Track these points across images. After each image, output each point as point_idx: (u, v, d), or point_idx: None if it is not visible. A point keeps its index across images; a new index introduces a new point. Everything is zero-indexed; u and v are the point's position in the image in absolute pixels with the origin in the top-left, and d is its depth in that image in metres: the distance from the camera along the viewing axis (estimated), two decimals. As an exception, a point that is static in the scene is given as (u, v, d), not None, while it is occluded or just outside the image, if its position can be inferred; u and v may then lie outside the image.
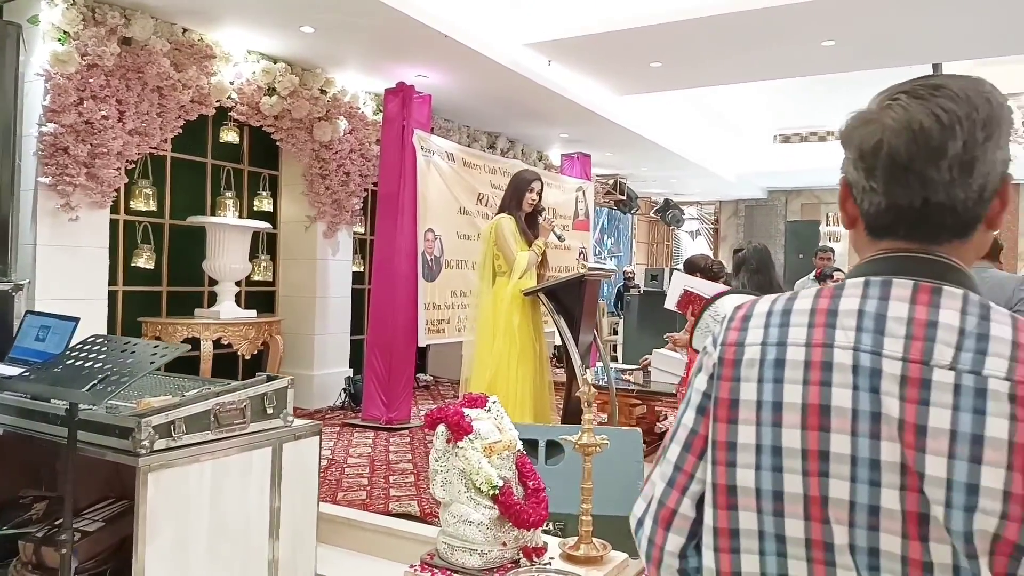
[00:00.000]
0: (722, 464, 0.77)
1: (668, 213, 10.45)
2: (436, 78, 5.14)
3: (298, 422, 2.66)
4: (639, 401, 4.30)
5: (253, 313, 4.76)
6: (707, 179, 9.99)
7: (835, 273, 6.18)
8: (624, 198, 8.91)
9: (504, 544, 2.03)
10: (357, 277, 5.93)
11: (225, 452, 2.37)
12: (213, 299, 4.75)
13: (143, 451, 2.15)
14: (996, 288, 2.78)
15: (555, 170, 7.49)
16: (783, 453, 0.74)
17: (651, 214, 11.26)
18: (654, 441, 4.03)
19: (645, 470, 3.13)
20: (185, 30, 4.25)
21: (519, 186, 3.62)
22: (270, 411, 2.54)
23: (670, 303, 3.84)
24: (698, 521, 0.81)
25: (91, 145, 3.81)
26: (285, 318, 5.33)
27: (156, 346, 2.28)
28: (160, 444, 2.19)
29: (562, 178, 6.96)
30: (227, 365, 5.00)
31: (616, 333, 9.52)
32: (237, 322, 4.55)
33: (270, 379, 2.61)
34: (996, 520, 0.65)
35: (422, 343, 4.94)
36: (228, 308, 4.60)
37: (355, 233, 5.79)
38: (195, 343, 4.38)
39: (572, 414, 3.55)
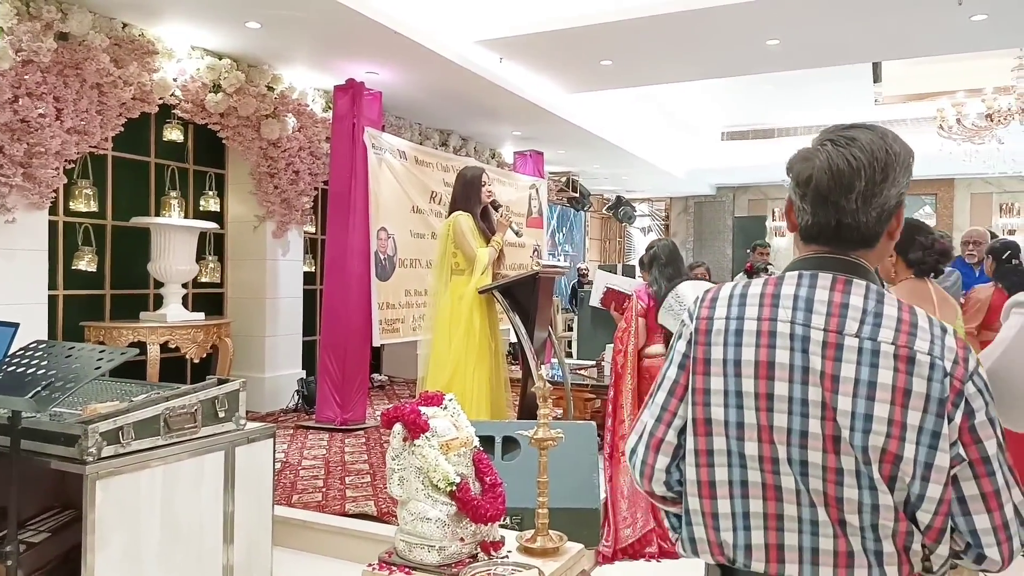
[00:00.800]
0: (700, 404, 1.08)
1: (620, 210, 10.59)
2: (386, 75, 5.10)
3: (251, 425, 2.63)
4: (594, 395, 4.36)
5: (201, 316, 4.66)
6: (657, 176, 10.16)
7: (768, 267, 6.46)
8: (577, 195, 9.00)
9: (462, 539, 2.05)
10: (309, 277, 5.85)
11: (176, 457, 2.32)
12: (159, 302, 4.63)
13: (90, 459, 2.09)
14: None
15: (508, 168, 7.51)
16: (742, 395, 1.04)
17: (603, 211, 11.40)
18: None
19: (600, 463, 3.17)
20: (125, 25, 4.12)
21: (471, 182, 3.63)
22: (222, 415, 2.50)
23: (595, 300, 3.97)
24: (679, 447, 1.12)
25: (27, 144, 3.67)
26: (235, 320, 5.22)
27: (101, 351, 2.22)
28: (108, 451, 2.14)
29: (515, 175, 6.99)
30: (175, 369, 4.88)
31: (571, 329, 9.61)
32: (185, 325, 4.44)
33: (221, 382, 2.57)
34: (883, 439, 0.96)
35: (376, 343, 4.91)
36: (175, 311, 4.48)
37: (306, 233, 5.71)
38: (142, 347, 4.26)
39: (528, 410, 3.58)
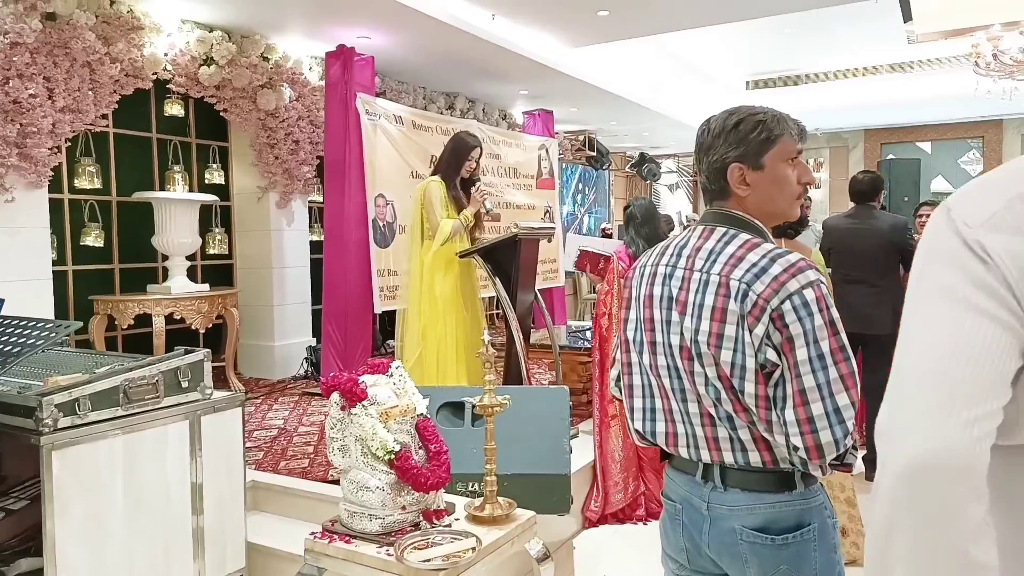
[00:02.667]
0: (623, 330, 1.47)
1: (644, 167, 10.33)
2: (379, 39, 5.03)
3: (218, 394, 2.67)
4: (589, 359, 4.30)
5: (206, 287, 4.75)
6: (681, 130, 9.83)
7: (807, 219, 6.14)
8: (595, 154, 8.80)
9: (403, 508, 2.05)
10: (316, 247, 5.89)
11: (137, 427, 2.38)
12: (167, 275, 4.74)
13: (46, 429, 2.16)
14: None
15: (519, 128, 7.37)
16: (640, 321, 1.41)
17: (627, 169, 11.15)
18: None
19: (572, 431, 3.14)
20: (113, 2, 4.14)
21: (459, 151, 3.56)
22: (185, 384, 2.55)
23: (568, 265, 3.88)
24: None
25: (20, 125, 3.75)
26: (243, 290, 5.33)
27: (57, 324, 2.28)
28: (65, 422, 2.21)
29: (523, 136, 6.85)
30: (184, 340, 4.99)
31: (595, 291, 9.51)
32: (189, 296, 4.54)
33: (187, 352, 2.61)
34: (706, 346, 1.25)
35: (377, 310, 4.93)
36: (179, 283, 4.59)
37: (311, 202, 5.74)
38: (148, 319, 4.39)
39: (513, 375, 3.56)
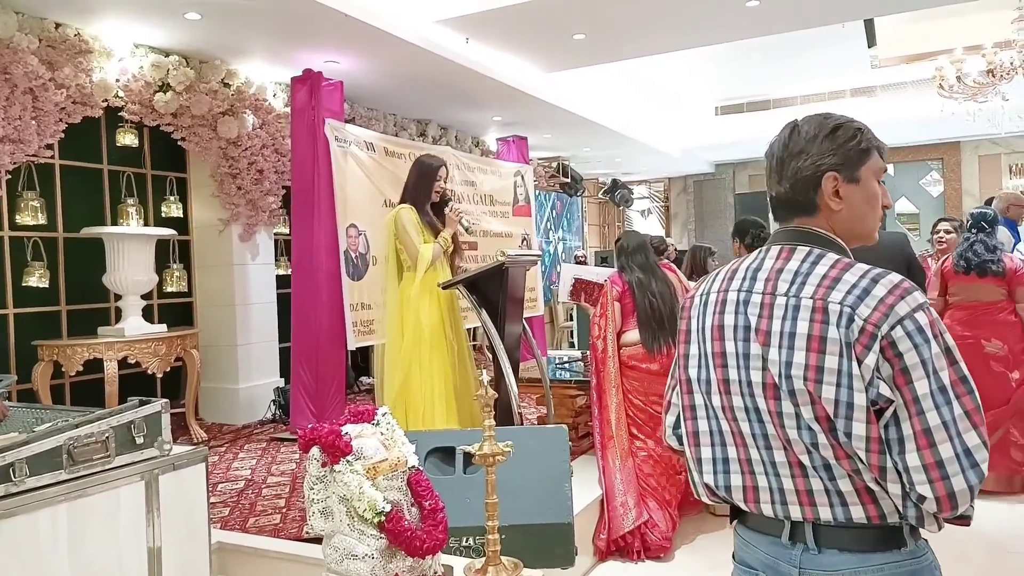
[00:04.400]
0: (683, 368, 1.27)
1: (616, 193, 10.27)
2: (348, 63, 4.83)
3: (179, 449, 2.37)
4: (579, 391, 4.08)
5: (163, 327, 4.42)
6: (652, 156, 9.82)
7: None
8: (568, 180, 8.69)
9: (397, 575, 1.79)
10: (283, 281, 5.60)
11: (82, 492, 2.07)
12: (121, 316, 4.39)
13: (-27, 502, 1.85)
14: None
15: (492, 155, 7.22)
16: (707, 356, 1.20)
17: (599, 195, 11.08)
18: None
19: (574, 471, 2.92)
20: (59, 25, 3.87)
21: (426, 174, 3.36)
22: (140, 440, 2.25)
23: (563, 296, 3.85)
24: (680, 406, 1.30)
25: (-47, 155, 3.44)
26: (204, 330, 5.00)
27: (-13, 379, 1.97)
28: (-3, 492, 1.90)
29: (498, 163, 6.70)
30: (140, 386, 4.65)
31: (572, 319, 9.34)
32: (145, 338, 4.21)
33: (142, 403, 2.32)
34: (802, 382, 1.06)
35: (351, 346, 4.65)
36: (133, 324, 4.25)
37: (277, 234, 5.46)
38: (100, 365, 4.04)
39: (502, 413, 3.31)
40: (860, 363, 1.02)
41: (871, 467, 1.04)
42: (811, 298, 1.08)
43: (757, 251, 1.23)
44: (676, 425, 1.32)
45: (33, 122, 3.73)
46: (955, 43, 6.90)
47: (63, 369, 4.02)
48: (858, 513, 1.06)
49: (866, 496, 1.06)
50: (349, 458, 1.78)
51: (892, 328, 1.02)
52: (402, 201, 3.27)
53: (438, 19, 4.53)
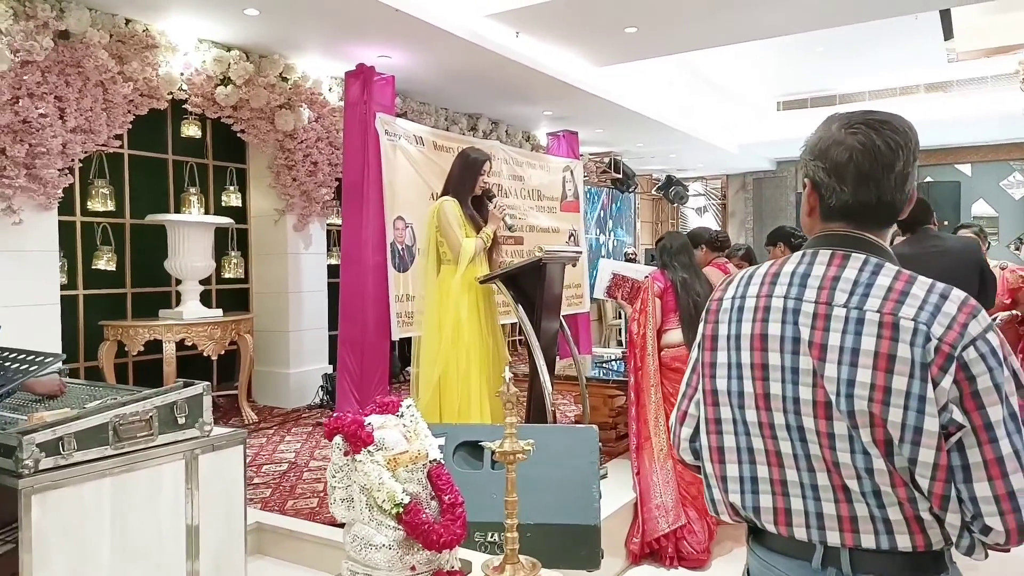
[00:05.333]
0: (708, 377, 1.17)
1: (671, 190, 10.09)
2: (400, 58, 4.90)
3: (218, 430, 2.47)
4: (618, 391, 4.05)
5: (219, 312, 4.60)
6: (709, 152, 9.61)
7: None
8: (620, 176, 8.59)
9: (413, 568, 1.82)
10: (334, 270, 5.74)
11: (127, 468, 2.19)
12: (180, 300, 4.60)
13: (25, 471, 1.98)
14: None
15: (542, 150, 7.21)
16: (742, 367, 1.11)
17: (653, 192, 10.92)
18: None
19: (601, 471, 2.90)
20: (129, 21, 4.07)
21: (471, 167, 3.37)
22: (182, 421, 2.36)
23: (599, 292, 3.78)
24: (700, 417, 1.20)
25: (29, 145, 3.65)
26: (259, 315, 5.18)
27: (42, 357, 2.11)
28: (47, 463, 2.02)
29: (547, 158, 6.68)
30: (198, 367, 4.86)
31: (620, 317, 9.25)
32: (201, 322, 4.39)
33: (186, 385, 2.43)
34: (866, 403, 0.98)
35: (395, 337, 4.74)
36: (192, 308, 4.44)
37: (330, 225, 5.60)
38: (160, 346, 4.24)
39: (536, 410, 3.32)
40: (936, 385, 0.95)
41: (932, 496, 0.98)
42: (877, 311, 0.99)
43: (799, 254, 1.12)
44: (693, 438, 1.22)
45: (103, 113, 3.93)
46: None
47: (126, 349, 4.24)
48: (904, 542, 1.00)
49: (915, 525, 1.00)
50: (370, 448, 1.82)
51: (965, 349, 0.96)
52: (444, 193, 3.30)
53: (488, 13, 4.55)
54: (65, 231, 4.15)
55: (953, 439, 0.96)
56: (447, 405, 3.15)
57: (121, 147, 4.51)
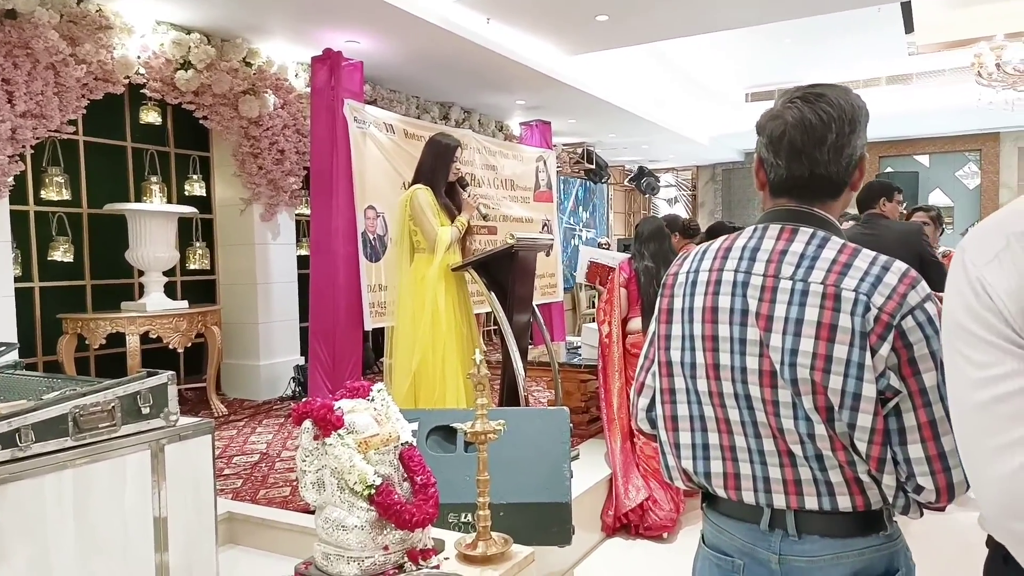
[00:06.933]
0: (663, 349, 1.20)
1: (643, 181, 10.15)
2: (369, 44, 4.83)
3: (185, 420, 2.41)
4: (591, 376, 4.06)
5: (184, 304, 4.50)
6: (680, 144, 9.69)
7: None
8: (593, 167, 8.61)
9: (386, 548, 1.80)
10: (304, 261, 5.65)
11: (90, 459, 2.12)
12: (144, 291, 4.48)
13: (-21, 465, 1.91)
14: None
15: (515, 140, 7.18)
16: (694, 338, 1.14)
17: (625, 183, 10.97)
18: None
19: (573, 452, 2.92)
20: (80, 0, 3.93)
21: (442, 154, 3.33)
22: (146, 411, 2.29)
23: (580, 277, 3.88)
24: (656, 388, 1.24)
25: (-23, 130, 3.52)
26: (226, 307, 5.07)
27: (-4, 345, 2.02)
28: (3, 455, 1.95)
29: (520, 147, 6.66)
30: (162, 360, 4.75)
31: (593, 307, 9.29)
32: (166, 314, 4.29)
33: (149, 375, 2.36)
34: (808, 371, 1.02)
35: (367, 327, 4.69)
36: (156, 300, 4.33)
37: (298, 215, 5.50)
38: (123, 339, 4.13)
39: (510, 395, 3.31)
40: (874, 353, 0.99)
41: (869, 459, 1.02)
42: (821, 283, 1.03)
43: (750, 228, 1.15)
44: (650, 408, 1.27)
45: (55, 97, 3.80)
46: (997, 29, 6.65)
47: (87, 342, 4.12)
48: (845, 503, 1.04)
49: (855, 487, 1.04)
50: (341, 432, 1.79)
51: (904, 318, 0.99)
52: (415, 181, 3.26)
53: (458, -1, 4.51)
54: (18, 221, 4.01)
55: (890, 404, 1.01)
56: (423, 393, 3.13)
57: (76, 133, 4.37)
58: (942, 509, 1.04)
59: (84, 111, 3.98)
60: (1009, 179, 10.05)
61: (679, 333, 1.17)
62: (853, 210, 4.05)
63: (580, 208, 10.43)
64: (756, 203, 11.37)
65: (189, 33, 4.40)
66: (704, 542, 1.22)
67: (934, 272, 3.33)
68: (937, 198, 10.46)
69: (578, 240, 9.80)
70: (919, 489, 1.01)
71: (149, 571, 2.26)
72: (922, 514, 1.07)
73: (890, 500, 1.05)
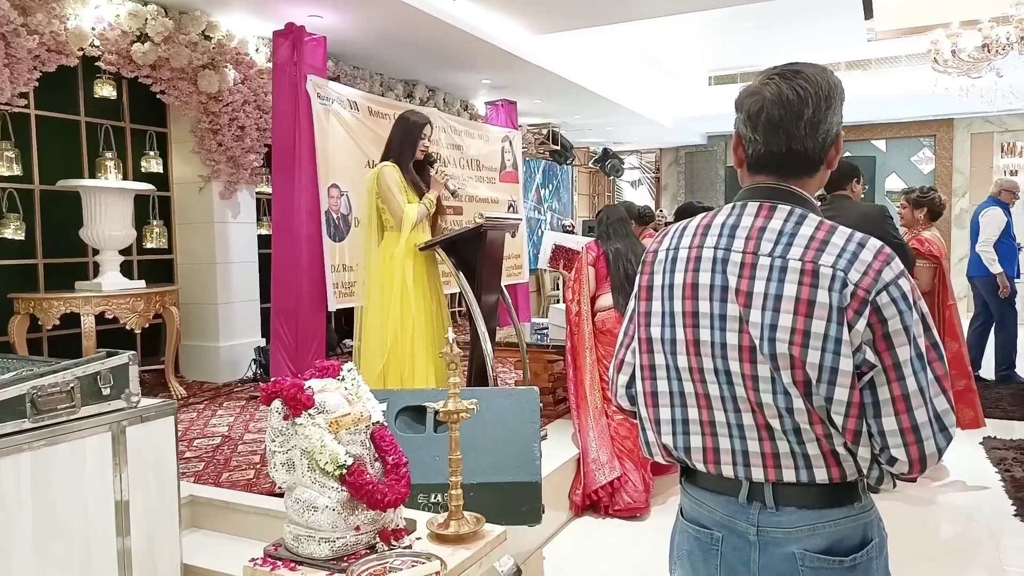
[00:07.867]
0: (644, 326, 1.22)
1: (607, 163, 10.18)
2: (332, 18, 4.72)
3: (147, 402, 2.37)
4: (558, 357, 4.10)
5: (142, 283, 4.38)
6: (644, 126, 9.74)
7: None
8: (558, 148, 8.61)
9: (357, 529, 1.80)
10: (265, 241, 5.54)
11: (48, 442, 2.07)
12: (99, 271, 4.35)
13: (-67, 448, 1.84)
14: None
15: (481, 119, 7.13)
16: (674, 315, 1.15)
17: (590, 164, 11.00)
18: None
19: (541, 432, 2.94)
20: (31, -32, 3.75)
21: (411, 131, 3.30)
22: (107, 392, 2.24)
23: (543, 262, 3.92)
24: (636, 365, 1.25)
25: (-78, 102, 3.35)
26: (185, 287, 4.96)
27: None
28: (-42, 438, 1.89)
29: (486, 127, 6.62)
30: (119, 341, 4.61)
31: (558, 288, 9.34)
32: (123, 294, 4.17)
33: (109, 355, 2.31)
34: (787, 346, 1.04)
35: (332, 307, 4.64)
36: (111, 279, 4.20)
37: (259, 193, 5.39)
38: (77, 319, 4.01)
39: (478, 375, 3.32)
40: (851, 328, 1.01)
41: (845, 431, 1.04)
42: (799, 260, 1.05)
43: (729, 206, 1.17)
44: (629, 384, 1.28)
45: (6, 69, 3.64)
46: (953, 17, 6.82)
47: (40, 323, 3.99)
48: (821, 475, 1.07)
49: (831, 459, 1.07)
50: (311, 411, 1.78)
51: (879, 294, 1.02)
52: (384, 159, 3.22)
53: (423, -25, 4.43)
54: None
55: (866, 378, 1.03)
56: (391, 373, 3.11)
57: (27, 107, 4.20)
58: (914, 480, 1.11)
59: (36, 84, 3.82)
60: (962, 164, 10.38)
61: (659, 310, 1.18)
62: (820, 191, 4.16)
63: (543, 190, 10.44)
64: (718, 186, 11.52)
65: (146, 4, 4.25)
66: (683, 515, 1.24)
67: (897, 253, 3.49)
68: (893, 183, 10.75)
69: (544, 225, 9.83)
70: (892, 461, 1.04)
71: (111, 556, 2.23)
72: (895, 485, 1.10)
73: (864, 472, 1.08)
